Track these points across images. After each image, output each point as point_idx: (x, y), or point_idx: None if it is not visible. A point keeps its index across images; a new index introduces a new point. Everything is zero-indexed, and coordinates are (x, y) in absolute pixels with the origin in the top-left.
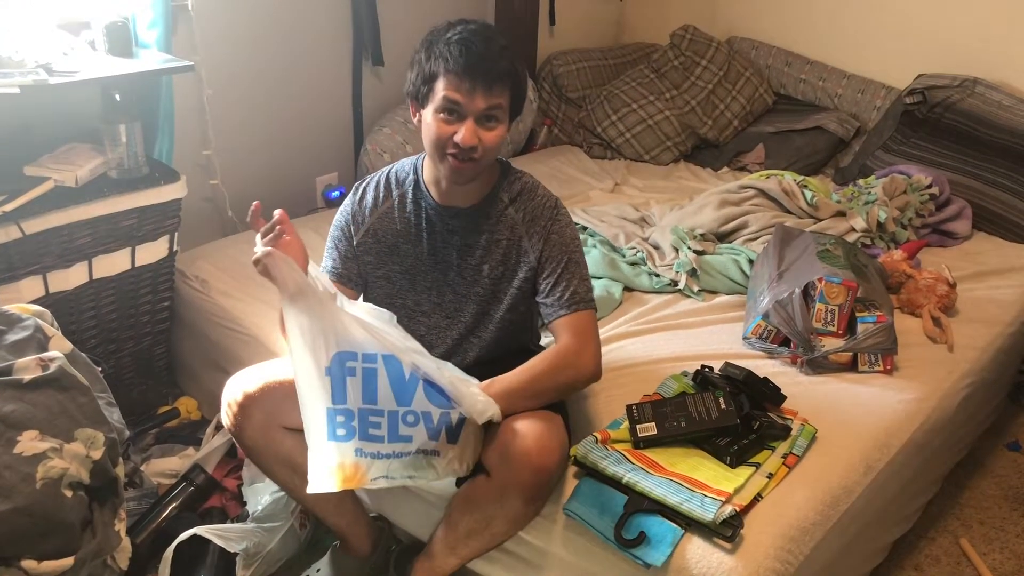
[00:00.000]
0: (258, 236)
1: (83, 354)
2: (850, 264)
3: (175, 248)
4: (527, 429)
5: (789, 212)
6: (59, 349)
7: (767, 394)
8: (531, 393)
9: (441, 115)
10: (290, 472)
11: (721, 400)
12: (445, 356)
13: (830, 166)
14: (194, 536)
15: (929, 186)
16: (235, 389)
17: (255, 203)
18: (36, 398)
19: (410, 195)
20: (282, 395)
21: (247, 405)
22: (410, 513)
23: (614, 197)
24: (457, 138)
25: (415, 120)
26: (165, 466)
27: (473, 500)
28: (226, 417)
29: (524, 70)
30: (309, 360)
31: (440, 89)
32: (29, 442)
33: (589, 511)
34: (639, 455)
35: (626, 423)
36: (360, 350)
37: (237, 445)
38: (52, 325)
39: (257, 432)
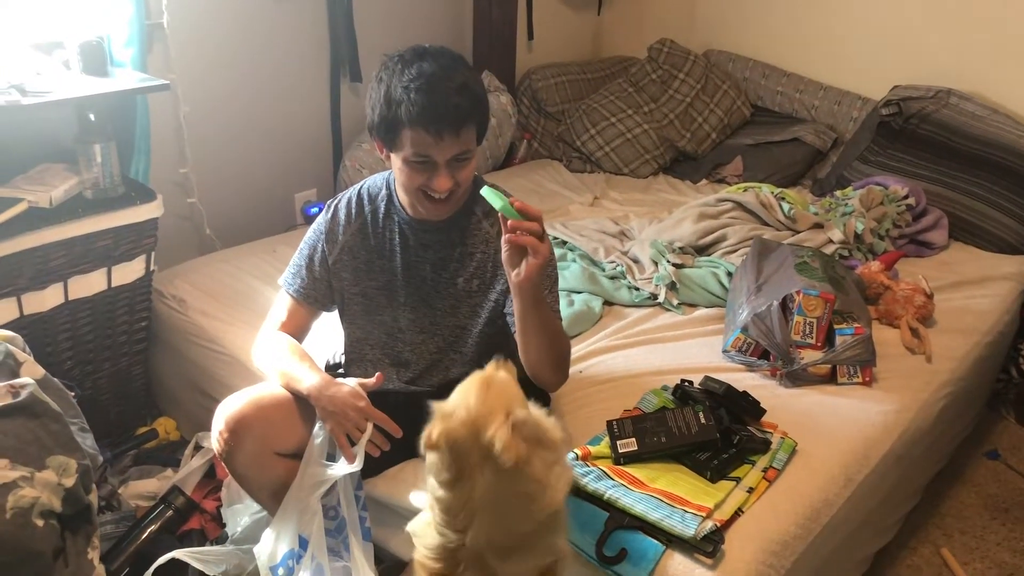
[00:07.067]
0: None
1: (55, 379)
2: (828, 276)
3: (152, 268)
4: None
5: (767, 224)
6: (30, 375)
7: (747, 408)
8: None
9: (412, 164)
10: (275, 502)
11: (701, 415)
12: (425, 372)
13: (808, 177)
14: (173, 559)
15: (905, 197)
16: (226, 414)
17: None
18: (6, 426)
19: (383, 210)
20: (277, 419)
21: (239, 431)
22: (397, 534)
23: (594, 211)
24: (434, 185)
25: (382, 156)
26: (143, 488)
27: None
28: (216, 443)
29: (483, 92)
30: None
31: (407, 141)
32: None
33: (570, 528)
34: (620, 471)
35: (606, 439)
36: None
37: (226, 469)
38: (24, 350)
39: (249, 459)
